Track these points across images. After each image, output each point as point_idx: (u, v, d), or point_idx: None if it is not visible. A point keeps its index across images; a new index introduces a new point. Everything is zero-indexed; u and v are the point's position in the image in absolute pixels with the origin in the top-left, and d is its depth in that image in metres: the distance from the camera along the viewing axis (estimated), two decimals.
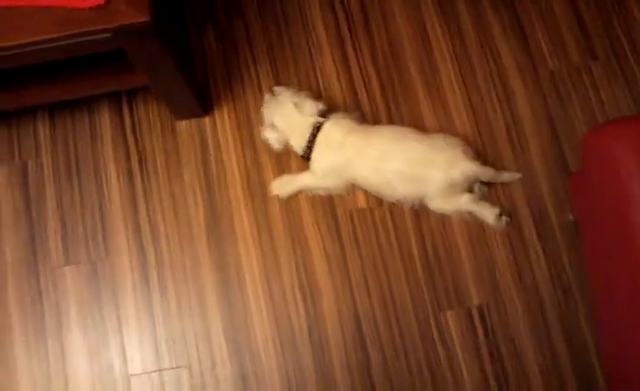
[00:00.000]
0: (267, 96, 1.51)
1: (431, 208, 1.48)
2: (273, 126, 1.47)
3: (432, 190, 1.43)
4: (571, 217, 1.51)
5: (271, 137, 1.48)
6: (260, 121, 1.55)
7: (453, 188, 1.42)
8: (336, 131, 1.45)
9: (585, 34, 1.65)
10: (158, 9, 1.10)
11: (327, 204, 1.53)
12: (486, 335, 1.46)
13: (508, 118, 1.59)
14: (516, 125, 1.59)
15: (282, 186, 1.52)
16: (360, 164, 1.44)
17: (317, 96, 1.58)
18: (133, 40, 1.13)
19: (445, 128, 1.58)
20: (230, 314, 1.47)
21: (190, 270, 1.50)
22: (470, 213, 1.48)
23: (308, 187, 1.51)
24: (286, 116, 1.45)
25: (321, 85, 1.61)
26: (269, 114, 1.48)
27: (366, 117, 1.58)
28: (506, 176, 1.51)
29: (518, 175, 1.52)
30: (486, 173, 1.45)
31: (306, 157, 1.47)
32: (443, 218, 1.51)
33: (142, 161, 1.56)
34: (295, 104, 1.45)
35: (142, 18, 1.02)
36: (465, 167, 1.41)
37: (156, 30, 1.10)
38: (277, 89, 1.50)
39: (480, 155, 1.52)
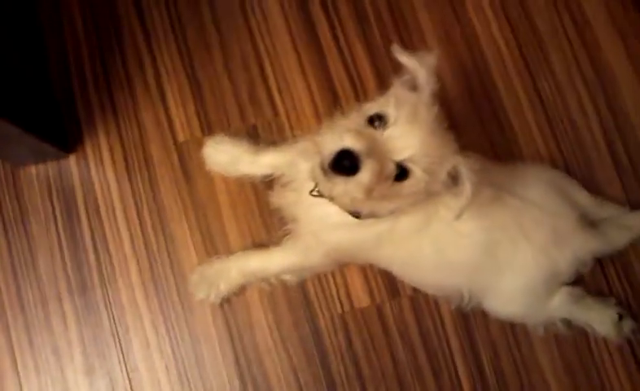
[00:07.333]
0: None
1: (494, 314, 0.80)
2: None
3: (510, 284, 0.74)
4: None
5: None
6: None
7: (548, 284, 0.75)
8: None
9: None
10: None
11: (301, 302, 0.84)
12: None
13: (608, 125, 0.91)
14: (623, 139, 0.90)
15: (215, 279, 0.81)
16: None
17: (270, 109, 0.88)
18: None
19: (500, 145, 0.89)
20: None
21: None
22: (566, 322, 0.80)
23: (275, 273, 0.81)
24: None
25: (270, 76, 0.90)
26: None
27: None
28: None
29: None
30: (613, 244, 0.78)
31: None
32: (511, 324, 0.84)
33: None
34: None
35: None
36: (581, 246, 0.73)
37: None
38: None
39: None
